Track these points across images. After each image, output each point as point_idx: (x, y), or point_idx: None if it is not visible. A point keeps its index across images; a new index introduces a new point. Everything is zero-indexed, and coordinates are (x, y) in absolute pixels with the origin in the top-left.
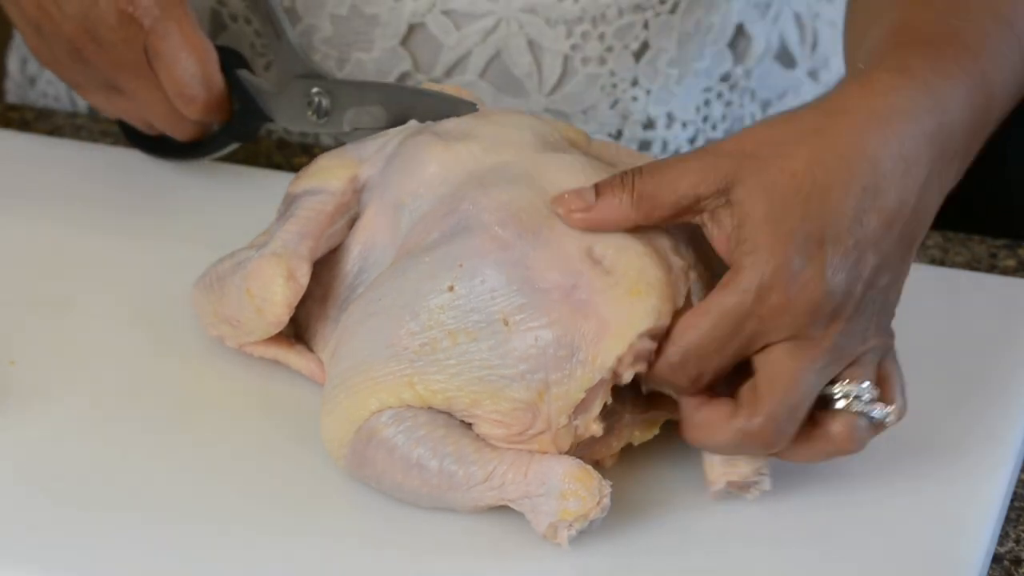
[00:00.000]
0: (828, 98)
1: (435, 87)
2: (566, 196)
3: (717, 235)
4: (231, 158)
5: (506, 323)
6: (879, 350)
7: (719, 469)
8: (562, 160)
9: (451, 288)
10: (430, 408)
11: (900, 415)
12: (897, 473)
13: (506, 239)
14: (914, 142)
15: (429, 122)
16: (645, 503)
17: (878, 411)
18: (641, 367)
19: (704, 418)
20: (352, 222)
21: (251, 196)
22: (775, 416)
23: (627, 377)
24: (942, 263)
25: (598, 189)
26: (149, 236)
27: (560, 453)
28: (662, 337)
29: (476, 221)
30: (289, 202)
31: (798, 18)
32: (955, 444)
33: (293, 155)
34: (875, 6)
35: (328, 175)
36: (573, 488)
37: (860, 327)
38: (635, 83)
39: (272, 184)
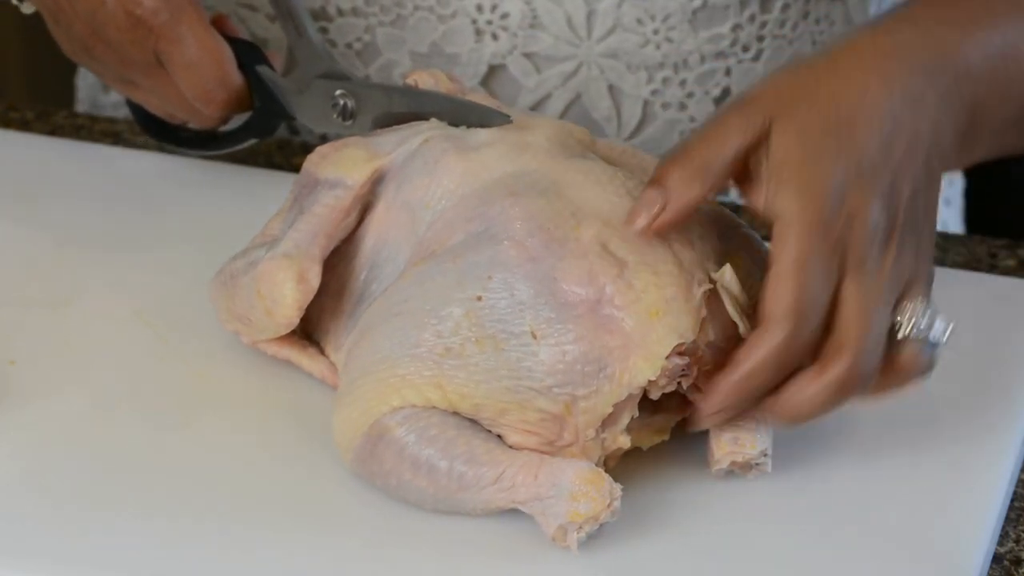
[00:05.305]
0: (838, 41)
1: (467, 96)
2: (641, 208)
3: (756, 194)
4: (231, 158)
5: (534, 336)
6: (929, 275)
7: (726, 448)
8: (582, 166)
9: (479, 298)
10: (449, 411)
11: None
12: (897, 472)
13: (534, 251)
14: (915, 78)
15: (452, 128)
16: (651, 506)
17: (938, 329)
18: (673, 385)
19: (793, 392)
20: (364, 212)
21: (251, 196)
22: (860, 356)
23: (656, 395)
24: (942, 263)
25: (660, 180)
26: (149, 236)
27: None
28: (693, 352)
29: (504, 230)
30: (307, 186)
31: None
32: (955, 443)
33: (293, 155)
34: None
35: (351, 167)
36: (584, 490)
37: (910, 251)
38: None
39: (272, 184)
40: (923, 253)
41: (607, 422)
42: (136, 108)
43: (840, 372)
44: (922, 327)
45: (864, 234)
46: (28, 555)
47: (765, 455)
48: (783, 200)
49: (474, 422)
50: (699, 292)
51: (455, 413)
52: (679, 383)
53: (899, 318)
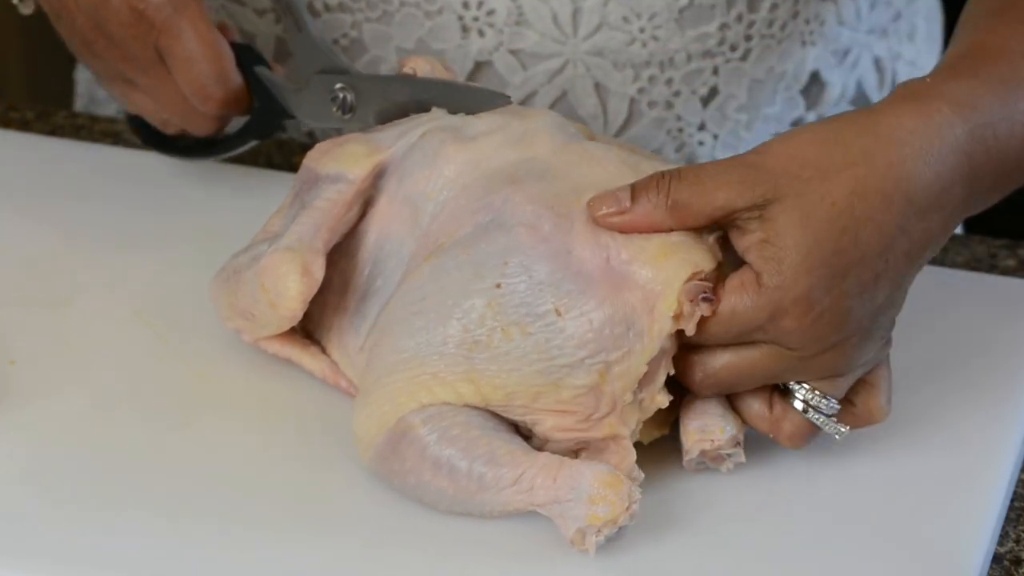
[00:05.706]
0: (883, 115)
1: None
2: (602, 198)
3: (740, 239)
4: (230, 157)
5: (558, 313)
6: (870, 363)
7: (694, 437)
8: (577, 147)
9: (498, 286)
10: (477, 407)
11: (880, 419)
12: (897, 472)
13: (545, 231)
14: (953, 181)
15: (451, 116)
16: (652, 505)
17: (830, 427)
18: (704, 309)
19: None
20: (365, 207)
21: (251, 196)
22: (715, 380)
23: (691, 328)
24: (942, 263)
25: (634, 192)
26: (149, 236)
27: (625, 432)
28: (714, 278)
29: (512, 217)
30: (308, 182)
31: (877, 62)
32: (955, 444)
33: (292, 154)
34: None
35: (352, 162)
36: (603, 493)
37: (858, 352)
38: (702, 128)
39: (272, 184)
40: (878, 344)
41: (644, 382)
42: (133, 118)
43: (701, 374)
44: (814, 415)
45: (819, 332)
46: (28, 555)
47: (737, 444)
48: (761, 271)
49: (500, 421)
50: (711, 237)
51: (481, 412)
52: (706, 302)
53: (800, 394)
